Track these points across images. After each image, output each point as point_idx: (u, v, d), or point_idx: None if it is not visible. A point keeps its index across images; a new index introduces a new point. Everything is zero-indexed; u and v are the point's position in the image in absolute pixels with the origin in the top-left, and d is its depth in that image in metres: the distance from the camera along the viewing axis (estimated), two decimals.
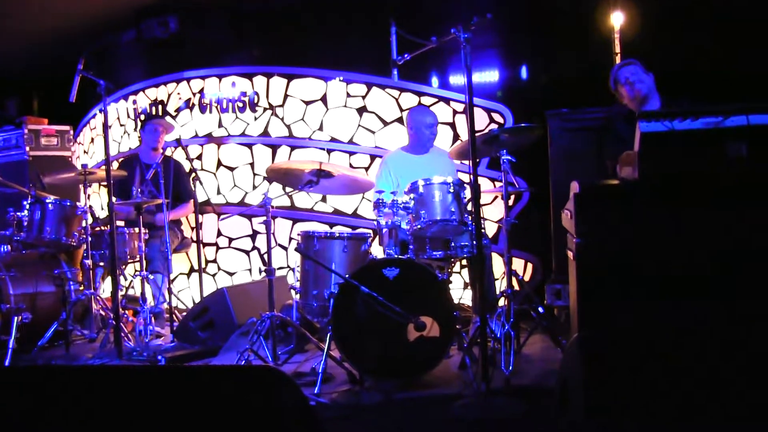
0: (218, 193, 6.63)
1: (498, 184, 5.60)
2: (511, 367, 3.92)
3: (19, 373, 2.81)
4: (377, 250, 4.64)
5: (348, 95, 6.16)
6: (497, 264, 5.33)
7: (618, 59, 5.46)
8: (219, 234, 6.67)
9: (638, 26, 5.50)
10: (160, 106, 7.05)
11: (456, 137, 5.87)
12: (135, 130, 7.17)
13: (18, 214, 5.24)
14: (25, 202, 5.27)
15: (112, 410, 2.37)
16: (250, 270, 6.56)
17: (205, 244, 6.58)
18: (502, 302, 4.39)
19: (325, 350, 4.09)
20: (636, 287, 3.22)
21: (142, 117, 7.08)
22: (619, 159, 3.77)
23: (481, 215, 4.21)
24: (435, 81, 6.14)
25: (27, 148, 7.01)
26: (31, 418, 2.39)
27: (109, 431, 2.35)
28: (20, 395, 2.43)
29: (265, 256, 4.55)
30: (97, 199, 7.34)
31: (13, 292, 5.11)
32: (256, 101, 6.49)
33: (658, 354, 2.78)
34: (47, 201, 5.26)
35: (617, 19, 5.55)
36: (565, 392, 2.86)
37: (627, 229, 3.28)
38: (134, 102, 7.25)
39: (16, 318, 4.98)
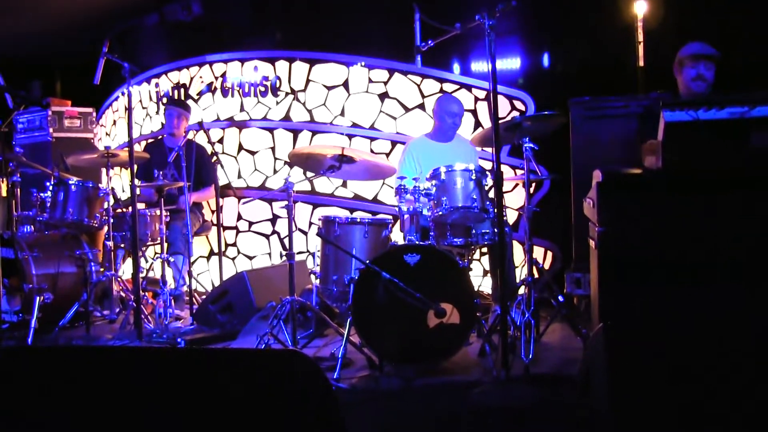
0: (239, 176, 6.66)
1: (519, 171, 5.59)
2: (531, 355, 3.91)
3: (41, 353, 2.84)
4: (398, 236, 4.64)
5: (370, 81, 6.15)
6: (517, 252, 5.32)
7: (641, 48, 5.42)
8: (239, 218, 6.70)
9: (662, 15, 5.45)
10: (182, 90, 7.08)
11: (477, 124, 5.85)
12: (157, 113, 7.20)
13: (41, 194, 5.29)
14: (48, 183, 5.31)
15: (131, 391, 2.38)
16: (269, 254, 6.58)
17: (226, 228, 6.62)
18: (522, 290, 4.38)
19: (345, 335, 4.10)
20: (658, 276, 3.21)
21: (164, 100, 7.11)
22: (642, 148, 3.75)
23: (503, 203, 4.20)
24: (456, 68, 6.12)
25: (50, 130, 7.08)
26: (52, 398, 2.41)
27: (128, 412, 2.37)
28: (42, 374, 2.45)
29: (286, 241, 4.57)
30: (118, 181, 7.39)
31: (36, 272, 5.16)
32: (278, 85, 6.49)
33: (682, 343, 2.77)
34: (70, 182, 5.29)
35: (641, 8, 5.50)
36: (587, 381, 2.86)
37: (649, 219, 3.26)
38: (156, 85, 7.27)
39: (38, 298, 5.04)
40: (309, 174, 4.94)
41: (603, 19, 5.63)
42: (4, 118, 3.70)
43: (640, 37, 5.50)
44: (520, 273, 4.92)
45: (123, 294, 5.46)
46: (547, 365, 4.06)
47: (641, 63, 5.48)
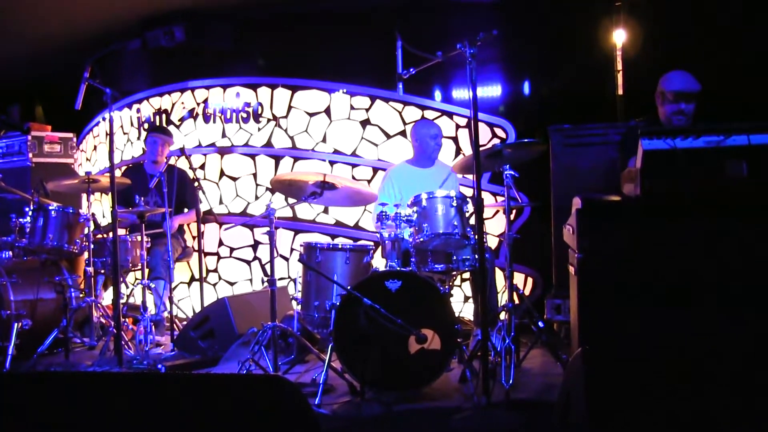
0: (221, 202, 6.65)
1: (500, 198, 5.64)
2: (511, 381, 3.93)
3: (18, 379, 2.82)
4: (379, 263, 4.66)
5: (352, 108, 6.20)
6: (498, 278, 5.35)
7: (620, 77, 5.51)
8: (221, 243, 6.69)
9: (640, 44, 5.56)
10: (164, 116, 7.08)
11: (458, 151, 5.91)
12: (138, 138, 7.20)
13: (20, 220, 5.23)
14: (27, 209, 5.27)
15: (111, 417, 2.37)
16: (251, 280, 6.57)
17: (207, 254, 6.59)
18: (502, 316, 4.41)
19: (326, 361, 4.10)
20: (637, 301, 3.25)
21: (146, 126, 7.11)
22: (621, 175, 3.80)
23: (483, 229, 4.23)
24: (438, 95, 6.18)
25: (30, 155, 7.03)
26: (31, 424, 2.39)
27: None
28: (20, 400, 2.44)
29: (267, 267, 4.57)
30: (99, 207, 7.35)
31: (14, 298, 5.10)
32: (260, 112, 6.52)
33: (660, 367, 2.81)
34: (50, 208, 5.26)
35: (619, 37, 5.60)
36: (567, 406, 2.88)
37: (628, 245, 3.31)
38: (138, 111, 7.27)
39: (16, 324, 4.99)
40: (291, 200, 4.96)
41: (582, 47, 5.74)
42: None
43: (619, 66, 5.60)
44: (501, 299, 4.95)
45: (103, 320, 5.42)
46: (527, 391, 4.08)
47: (620, 91, 5.58)
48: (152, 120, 7.12)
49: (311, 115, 6.32)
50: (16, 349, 4.91)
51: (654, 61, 5.27)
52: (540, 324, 4.44)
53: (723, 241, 3.25)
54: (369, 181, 6.07)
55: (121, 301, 5.08)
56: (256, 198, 6.53)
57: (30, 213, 5.25)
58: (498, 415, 3.61)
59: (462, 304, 5.82)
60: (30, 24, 6.96)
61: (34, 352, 5.02)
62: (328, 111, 6.27)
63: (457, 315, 4.24)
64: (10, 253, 5.71)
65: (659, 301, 3.22)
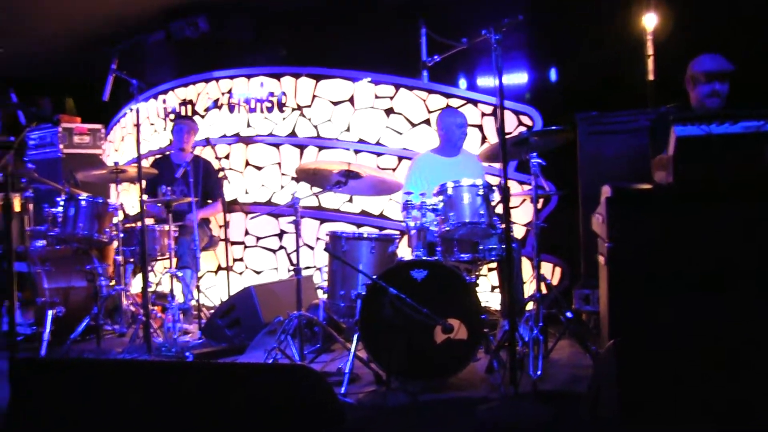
0: (246, 192, 6.67)
1: (527, 187, 5.59)
2: (539, 372, 3.89)
3: (54, 364, 2.85)
4: (405, 252, 4.64)
5: (376, 96, 6.18)
6: (526, 268, 5.32)
7: (650, 62, 5.42)
8: (246, 233, 6.71)
9: (672, 27, 5.44)
10: (189, 106, 7.12)
11: (484, 139, 5.87)
12: (164, 129, 7.24)
13: (52, 210, 5.34)
14: (59, 199, 5.35)
15: (141, 404, 2.39)
16: (276, 269, 6.59)
17: (233, 243, 6.63)
18: (530, 306, 4.38)
19: (352, 350, 4.09)
20: (668, 292, 3.20)
21: (172, 116, 7.15)
22: (652, 163, 3.74)
23: (510, 218, 4.20)
24: (463, 83, 6.14)
25: (61, 146, 7.12)
26: (64, 407, 2.42)
27: (137, 424, 2.38)
28: (55, 385, 2.47)
29: (292, 256, 4.58)
30: (127, 197, 7.41)
31: (48, 285, 5.22)
32: (284, 101, 6.52)
33: (693, 358, 2.77)
34: (80, 198, 5.32)
35: (650, 21, 5.50)
36: (597, 397, 2.85)
37: (660, 233, 3.26)
38: (164, 101, 7.32)
39: (50, 311, 5.09)
40: (315, 189, 4.95)
41: (611, 32, 5.63)
42: (17, 135, 3.73)
43: (650, 51, 5.50)
44: (528, 289, 4.91)
45: (132, 308, 5.49)
46: (555, 382, 4.04)
47: (651, 77, 5.49)
48: (178, 110, 7.16)
49: (335, 104, 6.31)
50: (51, 335, 5.03)
51: (685, 46, 5.17)
52: (568, 314, 4.39)
53: (761, 227, 3.19)
54: (394, 170, 6.05)
55: (150, 289, 5.14)
56: (281, 187, 6.54)
57: (61, 203, 5.33)
58: (525, 406, 3.59)
59: (488, 294, 5.78)
60: (58, 19, 7.04)
61: (67, 339, 5.10)
62: (352, 100, 6.25)
63: (483, 305, 4.21)
64: (44, 242, 5.81)
65: (693, 288, 3.17)
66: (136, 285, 6.05)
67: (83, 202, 5.31)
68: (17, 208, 5.71)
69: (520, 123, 5.78)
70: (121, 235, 5.37)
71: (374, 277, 4.07)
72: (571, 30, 5.78)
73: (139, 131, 4.89)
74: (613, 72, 5.62)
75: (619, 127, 5.05)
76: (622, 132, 5.05)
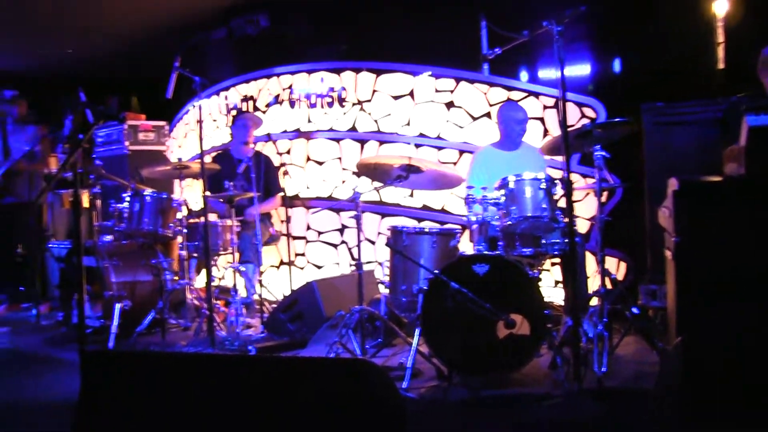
0: (307, 187, 6.72)
1: (590, 180, 5.49)
2: (604, 368, 3.82)
3: (121, 357, 2.91)
4: (466, 246, 4.61)
5: (436, 90, 6.14)
6: (589, 262, 5.22)
7: (721, 50, 5.25)
8: (308, 228, 6.76)
9: (744, 14, 5.26)
10: (250, 102, 7.19)
11: (546, 132, 5.78)
12: (226, 125, 7.33)
13: (119, 206, 5.47)
14: (124, 195, 5.48)
15: (205, 397, 2.42)
16: (338, 263, 6.62)
17: (295, 238, 6.68)
18: (594, 302, 4.30)
19: (414, 345, 4.08)
20: (739, 288, 3.10)
21: (233, 112, 7.24)
22: (723, 154, 3.63)
23: (573, 212, 4.13)
24: (524, 75, 6.05)
25: (127, 143, 7.28)
26: (131, 398, 2.47)
27: (201, 417, 2.40)
28: (122, 377, 2.51)
29: (354, 251, 4.59)
30: (191, 192, 7.54)
31: (115, 279, 5.36)
32: (344, 96, 6.54)
33: (762, 359, 2.68)
34: (145, 193, 5.44)
35: (720, 7, 5.32)
36: (664, 395, 2.78)
37: (730, 228, 3.15)
38: (225, 98, 7.42)
39: (117, 305, 5.22)
40: (376, 184, 4.95)
41: (678, 20, 5.48)
42: (85, 133, 3.84)
43: (720, 38, 5.33)
44: (592, 284, 4.83)
45: (196, 302, 5.58)
46: (620, 378, 3.97)
47: (721, 65, 5.31)
48: (239, 106, 7.24)
49: (396, 98, 6.30)
50: (118, 328, 5.17)
51: (758, 32, 4.99)
52: (634, 310, 4.30)
53: None
54: (454, 164, 6.01)
55: (213, 283, 5.21)
56: (342, 182, 6.56)
57: (127, 199, 5.45)
58: (589, 403, 3.54)
59: (551, 289, 5.70)
60: (124, 20, 7.22)
61: (134, 332, 5.24)
62: (412, 94, 6.23)
63: (546, 300, 4.15)
64: (111, 237, 5.95)
65: (765, 285, 3.06)
66: (199, 279, 6.15)
67: (148, 198, 5.43)
68: (86, 204, 5.85)
69: (583, 115, 5.68)
70: (185, 230, 5.47)
71: (436, 271, 4.06)
72: (636, 18, 5.64)
73: (201, 128, 4.96)
74: (680, 61, 5.46)
75: (688, 117, 4.92)
76: (690, 123, 4.92)
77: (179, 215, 5.52)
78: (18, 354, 5.33)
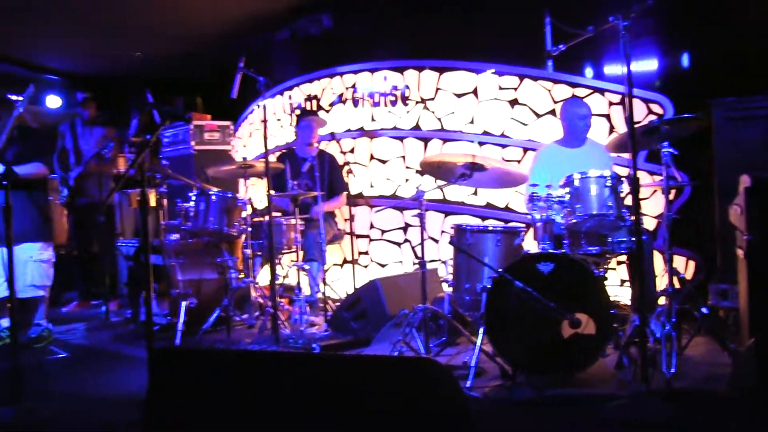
0: (371, 185, 6.75)
1: (657, 177, 5.38)
2: (673, 369, 3.74)
3: (188, 354, 2.97)
4: (530, 245, 4.56)
5: (499, 87, 6.10)
6: (657, 261, 5.12)
7: None
8: (371, 226, 6.79)
9: None
10: (314, 101, 7.26)
11: (611, 129, 5.68)
12: (290, 124, 7.42)
13: (185, 205, 5.57)
14: (191, 194, 5.58)
15: (269, 394, 2.45)
16: (401, 262, 6.63)
17: (358, 236, 6.72)
18: (662, 301, 4.21)
19: (478, 344, 4.07)
20: None
21: (297, 112, 7.31)
22: None
23: (640, 210, 4.05)
24: (589, 71, 5.95)
25: (192, 143, 7.42)
26: (197, 394, 2.51)
27: (265, 414, 2.43)
28: (189, 373, 2.56)
29: (418, 249, 4.59)
30: (255, 191, 7.64)
31: (181, 277, 5.45)
32: (407, 95, 6.55)
33: None
34: (211, 193, 5.53)
35: None
36: (736, 398, 2.71)
37: None
38: (289, 97, 7.50)
39: (183, 302, 5.31)
40: (440, 182, 4.94)
41: (748, 13, 5.32)
42: (153, 133, 3.92)
43: None
44: (660, 283, 4.73)
45: (261, 300, 5.65)
46: (690, 380, 3.87)
47: None
48: (303, 106, 7.32)
49: (459, 96, 6.28)
50: (184, 326, 5.25)
51: None
52: (704, 310, 4.20)
53: None
54: (518, 162, 5.96)
55: (277, 282, 5.27)
56: (406, 180, 6.57)
57: (193, 198, 5.55)
58: (656, 404, 3.45)
59: (618, 288, 5.60)
60: (189, 22, 7.36)
61: (199, 329, 5.32)
62: (475, 92, 6.20)
63: (612, 299, 4.09)
64: (178, 235, 6.07)
65: None
66: (264, 277, 6.24)
67: (213, 197, 5.52)
68: (152, 203, 5.99)
69: (650, 111, 5.56)
70: (249, 228, 5.54)
71: (500, 270, 4.03)
72: (705, 12, 5.49)
73: (266, 127, 5.03)
74: (751, 54, 5.30)
75: (761, 112, 4.78)
76: (762, 118, 4.77)
77: (244, 214, 5.59)
78: (89, 350, 5.48)
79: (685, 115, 4.48)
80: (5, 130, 5.09)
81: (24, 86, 5.23)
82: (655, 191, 5.51)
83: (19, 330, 4.79)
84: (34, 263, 5.35)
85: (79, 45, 8.18)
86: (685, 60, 5.71)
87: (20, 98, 5.17)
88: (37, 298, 5.47)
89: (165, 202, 6.02)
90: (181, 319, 5.24)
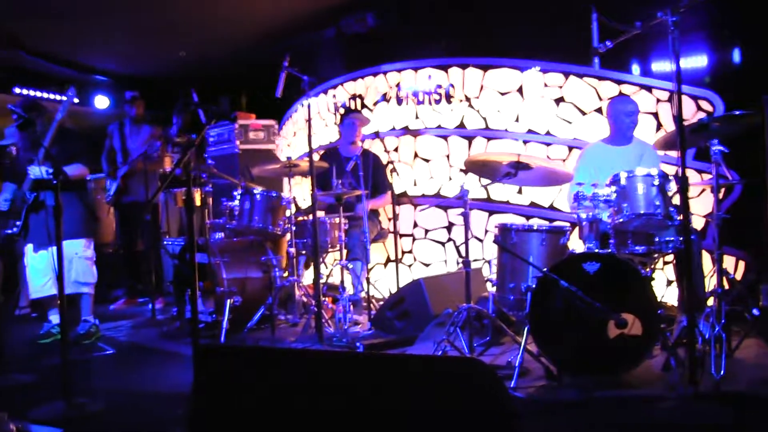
0: (415, 184, 6.74)
1: (706, 176, 5.28)
2: (722, 372, 3.67)
3: (233, 351, 3.00)
4: (576, 244, 4.52)
5: (545, 85, 6.04)
6: (706, 261, 5.02)
7: None
8: (415, 225, 6.78)
9: None
10: (358, 100, 7.28)
11: (659, 127, 5.59)
12: (335, 123, 7.44)
13: (230, 203, 5.62)
14: (235, 193, 5.63)
15: (313, 392, 2.46)
16: (445, 261, 6.61)
17: (402, 235, 6.72)
18: (711, 302, 4.13)
19: (522, 344, 4.03)
20: None
21: (342, 110, 7.34)
22: None
23: (689, 209, 3.98)
24: (636, 68, 5.87)
25: (237, 142, 7.48)
26: (242, 392, 2.53)
27: (310, 412, 2.45)
28: (233, 371, 2.59)
29: (462, 248, 4.57)
30: (299, 190, 7.69)
31: (227, 276, 5.49)
32: (451, 93, 6.53)
33: None
34: (255, 192, 5.57)
35: None
36: None
37: None
38: (334, 96, 7.53)
39: (228, 300, 5.35)
40: (484, 181, 4.92)
41: None
42: (198, 132, 3.97)
43: None
44: (709, 283, 4.64)
45: (305, 299, 5.67)
46: (740, 383, 3.78)
47: None
48: (347, 104, 7.34)
49: (503, 94, 6.24)
50: (229, 323, 5.28)
51: None
52: (755, 312, 4.11)
53: None
54: (564, 161, 5.90)
55: (321, 280, 5.29)
56: (450, 179, 6.55)
57: (238, 197, 5.59)
58: (705, 407, 3.40)
59: (665, 288, 5.52)
60: (235, 22, 7.43)
61: (244, 327, 5.36)
62: (520, 90, 6.16)
63: (659, 300, 4.02)
64: (222, 234, 6.13)
65: None
66: (308, 276, 6.27)
67: (258, 196, 5.56)
68: (198, 202, 6.05)
69: (699, 108, 5.46)
70: (294, 227, 5.58)
71: (545, 269, 4.00)
72: (756, 5, 5.37)
73: (310, 126, 5.06)
74: None
75: None
76: None
77: (288, 213, 5.63)
78: (136, 347, 5.57)
79: (736, 112, 4.39)
80: (49, 132, 5.20)
81: (68, 88, 5.35)
82: (704, 190, 5.41)
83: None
84: (78, 259, 5.46)
85: (126, 46, 8.32)
86: (736, 56, 5.60)
87: (64, 98, 5.28)
88: (82, 294, 5.58)
89: (210, 200, 6.08)
90: (226, 317, 5.28)
